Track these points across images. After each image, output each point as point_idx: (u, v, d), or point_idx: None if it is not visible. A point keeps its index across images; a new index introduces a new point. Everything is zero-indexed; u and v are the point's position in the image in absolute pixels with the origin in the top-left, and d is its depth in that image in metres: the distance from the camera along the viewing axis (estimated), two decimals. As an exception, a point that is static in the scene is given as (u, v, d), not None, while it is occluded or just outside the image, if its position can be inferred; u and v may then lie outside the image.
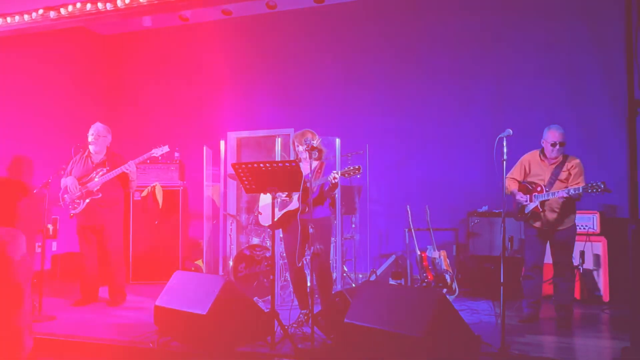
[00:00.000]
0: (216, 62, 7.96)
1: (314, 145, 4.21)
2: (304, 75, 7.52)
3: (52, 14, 5.17)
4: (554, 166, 4.63)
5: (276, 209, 4.33)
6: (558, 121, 4.82)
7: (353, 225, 6.48)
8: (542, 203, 4.56)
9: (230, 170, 6.36)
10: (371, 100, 7.19)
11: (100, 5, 4.96)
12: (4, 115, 6.77)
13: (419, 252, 5.86)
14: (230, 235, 6.68)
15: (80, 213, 5.47)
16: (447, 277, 5.71)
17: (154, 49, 8.32)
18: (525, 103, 6.48)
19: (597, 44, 6.16)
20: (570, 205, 4.57)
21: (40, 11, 5.21)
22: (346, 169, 4.12)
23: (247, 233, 6.30)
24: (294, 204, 4.40)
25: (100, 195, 5.41)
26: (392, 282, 6.12)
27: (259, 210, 4.77)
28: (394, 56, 7.14)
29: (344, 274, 6.04)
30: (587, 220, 5.64)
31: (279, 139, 5.56)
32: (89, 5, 5.00)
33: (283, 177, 3.93)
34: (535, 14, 6.52)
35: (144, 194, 6.93)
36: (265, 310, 4.13)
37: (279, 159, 5.46)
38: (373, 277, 6.33)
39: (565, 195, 4.35)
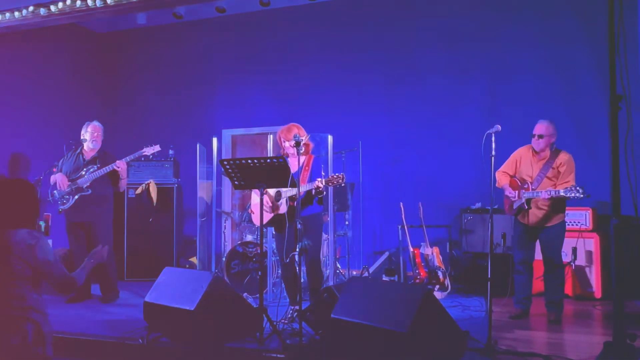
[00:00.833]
0: (210, 60, 7.96)
1: (300, 140, 4.21)
2: (298, 72, 7.51)
3: (42, 10, 5.17)
4: (543, 162, 4.63)
5: (267, 212, 4.37)
6: (551, 117, 4.81)
7: (346, 222, 6.47)
8: (529, 200, 4.56)
9: (223, 168, 6.35)
10: (364, 97, 7.18)
11: (90, 2, 4.96)
12: (-1, 112, 6.78)
13: (411, 249, 5.86)
14: (224, 232, 6.69)
15: (69, 209, 5.48)
16: (440, 273, 5.71)
17: (149, 47, 8.32)
18: (519, 99, 6.46)
19: (590, 39, 6.14)
20: (558, 204, 4.56)
21: (31, 8, 5.21)
22: (330, 176, 4.17)
23: (241, 230, 6.30)
24: (284, 207, 4.44)
25: (89, 191, 5.42)
26: (385, 278, 6.11)
27: (251, 208, 4.78)
28: (387, 53, 7.13)
29: (337, 271, 6.04)
30: (579, 217, 5.63)
31: (271, 136, 5.57)
32: (79, 2, 5.00)
33: (271, 173, 3.94)
34: (529, 11, 6.51)
35: (139, 191, 6.93)
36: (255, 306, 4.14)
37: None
38: (365, 274, 6.32)
39: (547, 196, 4.37)
